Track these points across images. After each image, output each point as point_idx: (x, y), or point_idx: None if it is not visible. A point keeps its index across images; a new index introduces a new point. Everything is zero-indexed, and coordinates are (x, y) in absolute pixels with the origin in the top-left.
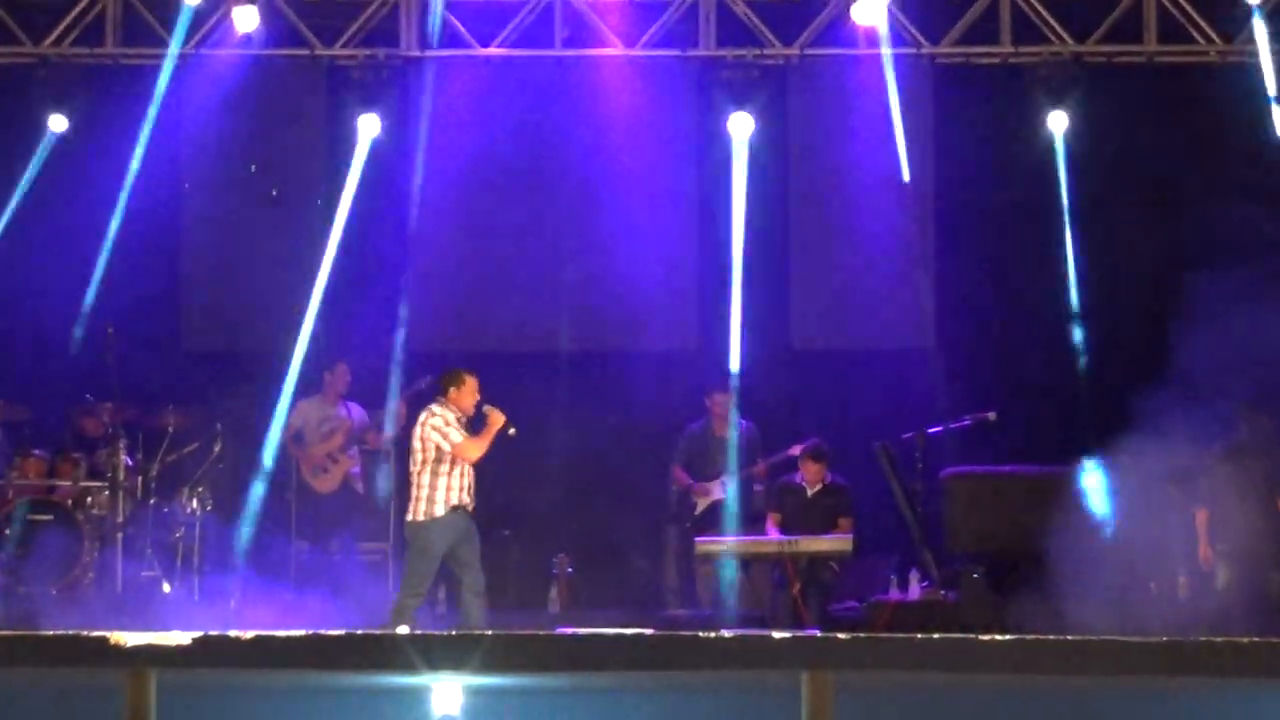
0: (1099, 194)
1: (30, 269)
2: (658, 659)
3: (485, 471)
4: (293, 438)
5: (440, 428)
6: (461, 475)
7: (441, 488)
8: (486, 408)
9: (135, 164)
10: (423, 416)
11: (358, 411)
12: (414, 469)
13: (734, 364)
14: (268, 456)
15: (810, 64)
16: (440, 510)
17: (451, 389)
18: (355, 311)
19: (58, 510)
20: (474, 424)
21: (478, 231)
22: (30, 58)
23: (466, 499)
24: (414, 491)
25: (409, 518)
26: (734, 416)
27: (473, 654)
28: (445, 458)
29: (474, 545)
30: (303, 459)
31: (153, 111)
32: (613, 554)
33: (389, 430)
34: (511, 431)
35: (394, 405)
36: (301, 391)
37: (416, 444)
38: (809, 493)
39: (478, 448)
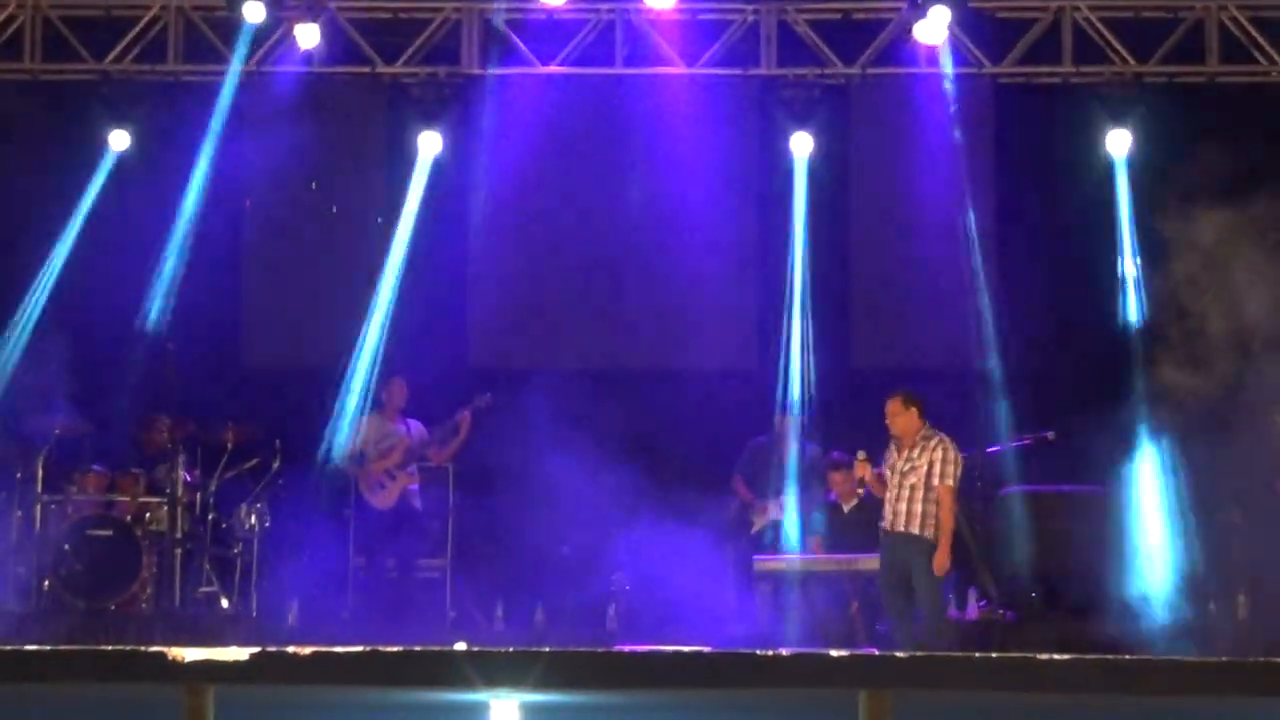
0: (1159, 213)
1: (91, 286)
2: (715, 677)
3: (543, 491)
4: (352, 454)
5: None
6: None
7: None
8: None
9: (196, 181)
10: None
11: (416, 428)
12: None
13: (794, 384)
14: (324, 471)
15: (871, 83)
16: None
17: None
18: (416, 328)
19: (116, 525)
20: None
21: (538, 248)
22: (92, 74)
23: None
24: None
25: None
26: (796, 437)
27: (531, 671)
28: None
29: None
30: (361, 475)
31: (214, 128)
32: (670, 572)
33: (448, 446)
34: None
35: (454, 421)
36: (361, 408)
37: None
38: (844, 509)
39: None
